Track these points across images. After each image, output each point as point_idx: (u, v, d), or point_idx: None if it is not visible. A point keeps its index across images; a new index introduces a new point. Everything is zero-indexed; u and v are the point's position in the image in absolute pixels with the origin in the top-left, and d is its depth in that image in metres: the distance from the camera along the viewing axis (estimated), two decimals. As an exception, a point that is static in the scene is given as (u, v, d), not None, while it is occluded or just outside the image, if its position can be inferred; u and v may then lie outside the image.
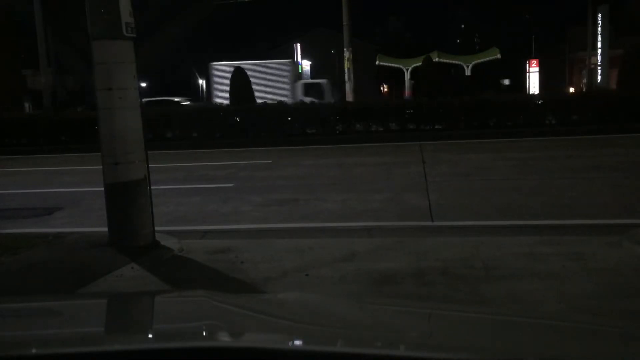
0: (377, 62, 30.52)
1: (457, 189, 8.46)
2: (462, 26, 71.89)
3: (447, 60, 28.63)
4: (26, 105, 29.19)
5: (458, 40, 67.91)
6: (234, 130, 16.67)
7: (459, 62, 29.83)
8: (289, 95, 20.26)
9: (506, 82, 48.37)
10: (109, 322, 1.77)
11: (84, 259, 5.23)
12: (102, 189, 5.55)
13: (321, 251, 5.37)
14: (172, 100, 22.94)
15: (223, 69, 21.64)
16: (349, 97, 20.59)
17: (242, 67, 20.66)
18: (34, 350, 1.35)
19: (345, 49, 21.22)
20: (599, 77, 29.44)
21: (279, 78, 22.04)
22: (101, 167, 5.48)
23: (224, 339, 1.41)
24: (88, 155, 12.83)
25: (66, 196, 8.97)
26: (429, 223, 6.51)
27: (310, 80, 22.88)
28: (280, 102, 17.47)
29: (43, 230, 6.59)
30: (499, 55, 28.48)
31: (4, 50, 26.22)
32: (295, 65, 23.06)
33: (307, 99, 19.55)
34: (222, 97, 20.31)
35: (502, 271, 4.57)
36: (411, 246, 5.41)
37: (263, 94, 19.50)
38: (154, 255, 5.33)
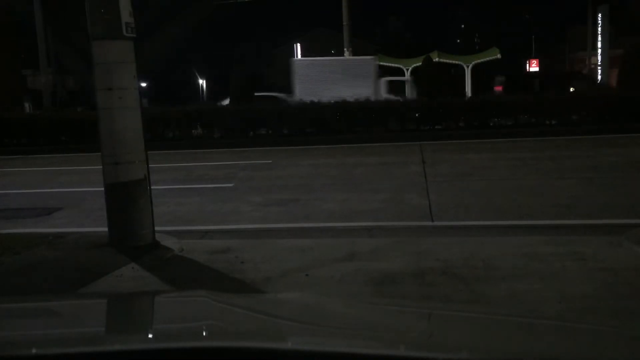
0: (377, 62, 30.51)
1: (457, 189, 8.46)
2: (462, 26, 71.91)
3: (447, 60, 28.57)
4: (26, 105, 29.19)
5: (458, 40, 67.91)
6: (234, 130, 16.66)
7: (459, 62, 29.77)
8: (372, 92, 19.61)
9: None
10: (109, 322, 1.77)
11: (84, 259, 5.23)
12: (102, 189, 5.55)
13: (321, 251, 5.37)
14: (279, 96, 21.51)
15: (305, 64, 21.28)
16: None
17: (324, 63, 20.13)
18: (34, 350, 1.35)
19: (345, 49, 21.24)
20: (599, 77, 29.44)
21: (361, 75, 21.34)
22: (101, 167, 5.48)
23: (224, 339, 1.41)
24: (88, 155, 12.83)
25: (66, 196, 8.97)
26: (429, 223, 6.52)
27: (394, 78, 22.45)
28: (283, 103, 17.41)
29: (43, 230, 6.59)
30: (499, 55, 28.43)
31: (4, 50, 26.22)
32: (377, 61, 22.27)
33: (391, 96, 19.17)
34: (304, 92, 19.69)
35: (502, 271, 4.57)
36: (411, 246, 5.41)
37: (344, 91, 18.69)
38: (154, 255, 5.33)
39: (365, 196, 8.03)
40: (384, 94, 20.14)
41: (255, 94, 20.23)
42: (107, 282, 4.67)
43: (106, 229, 5.54)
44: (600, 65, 30.16)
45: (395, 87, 21.64)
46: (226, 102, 20.56)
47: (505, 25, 61.54)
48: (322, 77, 20.43)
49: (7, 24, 26.71)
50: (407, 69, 28.27)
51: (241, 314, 1.72)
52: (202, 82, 49.00)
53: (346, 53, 21.10)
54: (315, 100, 17.29)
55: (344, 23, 21.21)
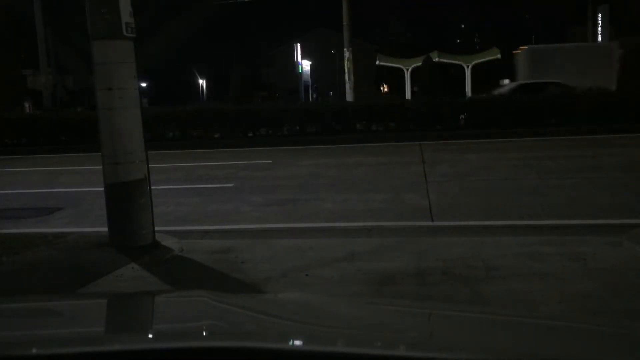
0: (377, 62, 30.52)
1: (457, 189, 8.46)
2: (462, 26, 71.97)
3: (447, 60, 28.59)
4: (26, 105, 29.22)
5: (458, 40, 67.97)
6: (234, 130, 16.65)
7: (459, 62, 29.77)
8: (603, 80, 18.79)
9: (506, 82, 48.41)
10: (109, 322, 1.76)
11: (84, 259, 5.22)
12: (102, 189, 5.55)
13: (321, 251, 5.37)
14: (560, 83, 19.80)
15: (537, 52, 20.67)
16: (349, 97, 20.61)
17: (552, 50, 19.18)
18: (34, 350, 1.35)
19: (345, 49, 21.23)
20: (599, 77, 29.39)
21: (595, 62, 20.22)
22: (101, 167, 5.48)
23: (224, 339, 1.41)
24: (88, 155, 12.82)
25: (66, 196, 8.97)
26: (429, 223, 6.51)
27: None
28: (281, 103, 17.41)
29: (43, 230, 6.59)
30: (499, 55, 28.41)
31: (4, 50, 26.24)
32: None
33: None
34: (526, 79, 19.20)
35: (503, 271, 4.57)
36: (411, 246, 5.41)
37: (576, 78, 17.73)
38: (154, 255, 5.32)
39: (365, 196, 8.01)
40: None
41: (539, 81, 18.98)
42: (107, 282, 4.67)
43: (106, 229, 5.54)
44: (600, 65, 30.11)
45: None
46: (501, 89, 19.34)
47: (505, 25, 61.62)
48: (557, 64, 19.61)
49: (7, 24, 26.74)
50: (407, 69, 28.28)
51: (241, 314, 1.72)
52: (202, 82, 49.01)
53: (346, 53, 21.08)
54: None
55: (344, 23, 21.19)
